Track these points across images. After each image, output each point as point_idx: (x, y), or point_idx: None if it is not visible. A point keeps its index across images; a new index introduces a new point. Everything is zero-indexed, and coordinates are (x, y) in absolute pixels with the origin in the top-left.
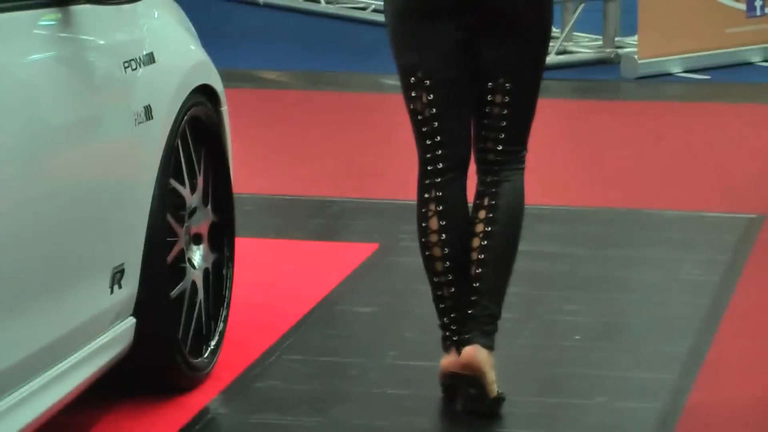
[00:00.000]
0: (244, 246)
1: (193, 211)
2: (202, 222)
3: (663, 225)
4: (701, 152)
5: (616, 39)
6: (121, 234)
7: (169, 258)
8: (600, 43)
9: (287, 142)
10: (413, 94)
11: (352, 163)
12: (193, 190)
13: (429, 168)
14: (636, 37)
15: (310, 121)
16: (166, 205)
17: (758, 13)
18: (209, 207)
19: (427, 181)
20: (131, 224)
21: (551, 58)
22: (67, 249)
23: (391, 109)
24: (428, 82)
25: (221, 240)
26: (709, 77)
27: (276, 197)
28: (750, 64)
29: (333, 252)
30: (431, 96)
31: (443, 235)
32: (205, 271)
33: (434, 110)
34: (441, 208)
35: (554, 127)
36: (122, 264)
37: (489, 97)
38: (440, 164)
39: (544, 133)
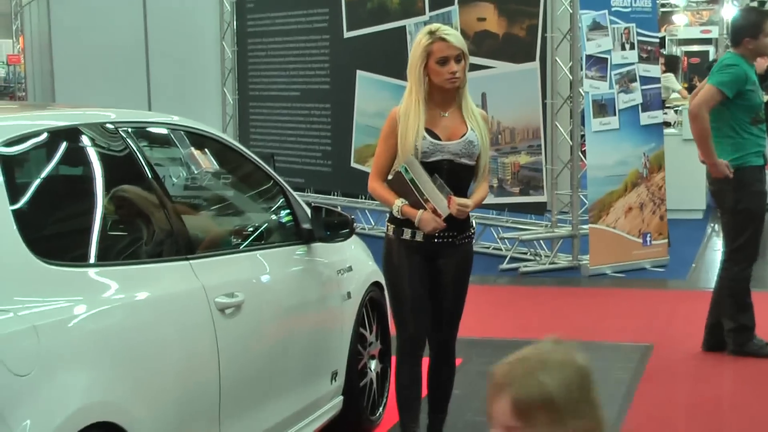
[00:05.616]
0: None
1: (370, 344)
2: (374, 349)
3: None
4: (615, 314)
5: (579, 256)
6: (336, 355)
7: (359, 366)
8: (570, 257)
9: None
10: None
11: None
12: (371, 333)
13: None
14: (588, 255)
15: None
16: (358, 341)
17: (648, 243)
18: (378, 341)
19: None
20: (341, 350)
21: (548, 266)
22: (311, 362)
23: None
24: None
25: (385, 357)
26: (624, 275)
27: None
28: (644, 269)
29: None
30: None
31: None
32: (377, 374)
33: None
34: None
35: (538, 305)
36: (336, 369)
37: None
38: None
39: (535, 311)
